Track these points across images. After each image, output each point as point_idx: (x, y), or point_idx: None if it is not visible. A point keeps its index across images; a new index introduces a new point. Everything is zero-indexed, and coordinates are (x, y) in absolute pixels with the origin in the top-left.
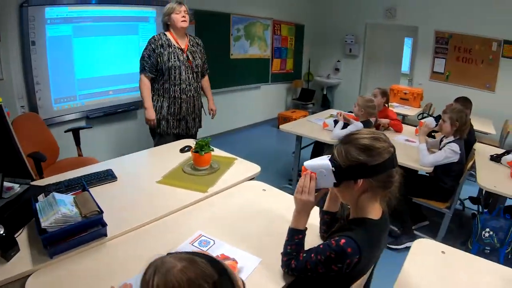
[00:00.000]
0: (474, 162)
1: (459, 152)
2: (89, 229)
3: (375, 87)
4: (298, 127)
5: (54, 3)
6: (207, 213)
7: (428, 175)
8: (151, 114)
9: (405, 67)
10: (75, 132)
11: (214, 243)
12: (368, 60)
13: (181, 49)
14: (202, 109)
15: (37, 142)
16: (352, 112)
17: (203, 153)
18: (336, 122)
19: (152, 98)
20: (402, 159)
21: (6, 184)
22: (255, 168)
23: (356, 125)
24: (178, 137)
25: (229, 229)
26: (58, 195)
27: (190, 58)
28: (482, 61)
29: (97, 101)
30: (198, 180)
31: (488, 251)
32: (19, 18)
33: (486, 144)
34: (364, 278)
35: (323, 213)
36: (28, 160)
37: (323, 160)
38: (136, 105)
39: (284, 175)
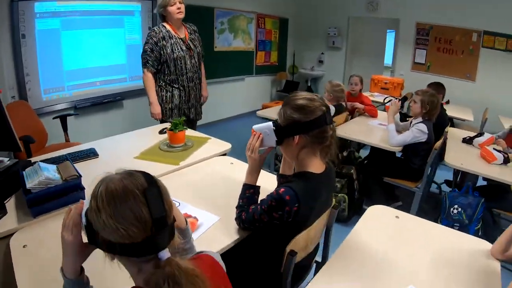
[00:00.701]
0: (445, 145)
1: (427, 132)
2: (69, 192)
3: (353, 75)
4: (274, 112)
5: None
6: (177, 182)
7: (402, 157)
8: (156, 108)
9: (388, 60)
10: (63, 119)
11: (179, 205)
12: (351, 52)
13: (182, 39)
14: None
15: (27, 127)
16: None
17: (177, 131)
18: None
19: (161, 90)
20: (374, 140)
21: None
22: (226, 145)
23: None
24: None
25: (194, 194)
26: (43, 164)
27: (192, 46)
28: (462, 51)
29: (85, 92)
30: (172, 155)
31: (458, 228)
32: (9, 12)
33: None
34: (315, 234)
35: (279, 177)
36: None
37: (268, 122)
38: (122, 96)
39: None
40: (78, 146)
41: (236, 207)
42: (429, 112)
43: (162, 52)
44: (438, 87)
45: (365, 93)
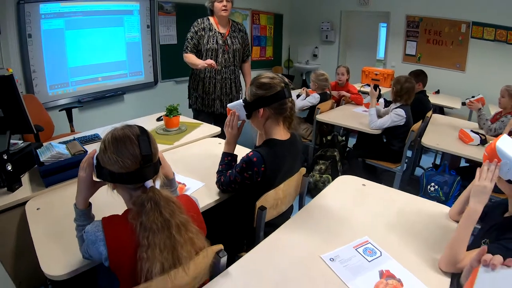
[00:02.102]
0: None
1: (405, 116)
2: (77, 165)
3: (340, 65)
4: None
5: None
6: (170, 158)
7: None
8: (205, 62)
9: (381, 53)
10: (68, 111)
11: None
12: (344, 45)
13: (221, 34)
14: (241, 92)
15: (35, 119)
16: None
17: (171, 116)
18: (298, 96)
19: (190, 77)
20: (357, 125)
21: (12, 141)
22: (216, 129)
23: (313, 96)
24: (213, 115)
25: (185, 166)
26: (54, 143)
27: (229, 42)
28: (452, 42)
29: (88, 87)
30: (167, 137)
31: None
32: (16, 14)
33: (460, 118)
34: (284, 195)
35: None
36: None
37: (239, 100)
38: (123, 90)
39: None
40: (83, 132)
41: (217, 172)
42: (402, 97)
43: (200, 41)
44: (419, 75)
45: (356, 84)
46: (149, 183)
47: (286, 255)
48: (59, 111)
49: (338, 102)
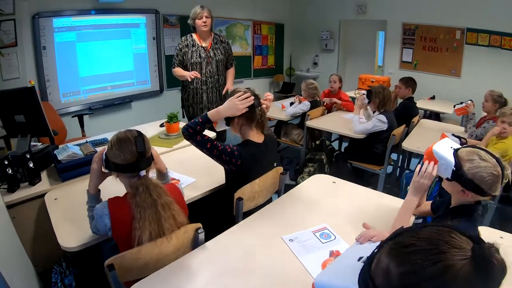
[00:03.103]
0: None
1: (386, 121)
2: (89, 163)
3: (333, 74)
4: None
5: (60, 14)
6: (168, 159)
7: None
8: (190, 74)
9: (381, 61)
10: (80, 117)
11: (169, 172)
12: (343, 54)
13: (203, 47)
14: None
15: (50, 125)
16: None
17: (172, 122)
18: (292, 103)
19: (182, 89)
20: (344, 130)
21: (32, 143)
22: (210, 134)
23: (304, 104)
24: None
25: (181, 165)
26: (69, 145)
27: (211, 54)
28: (447, 49)
29: (98, 95)
30: (168, 141)
31: None
32: (32, 27)
33: (450, 124)
34: (260, 189)
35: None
36: None
37: None
38: (131, 98)
39: None
40: (94, 137)
41: (188, 125)
42: (380, 104)
43: (184, 57)
44: (408, 81)
45: (351, 92)
46: (142, 172)
47: (254, 235)
48: (72, 117)
49: (330, 109)
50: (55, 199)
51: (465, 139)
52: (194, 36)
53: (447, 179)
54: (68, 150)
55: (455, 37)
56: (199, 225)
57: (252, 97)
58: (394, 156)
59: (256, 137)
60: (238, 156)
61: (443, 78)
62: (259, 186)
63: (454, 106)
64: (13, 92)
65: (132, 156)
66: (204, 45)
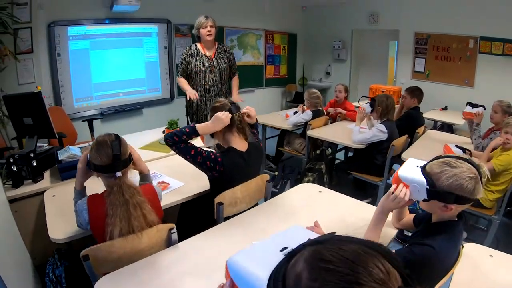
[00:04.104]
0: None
1: (386, 131)
2: None
3: (338, 83)
4: (264, 118)
5: (75, 23)
6: (164, 163)
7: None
8: (190, 92)
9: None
10: (90, 122)
11: (161, 176)
12: (355, 63)
13: (207, 56)
14: None
15: (60, 127)
16: None
17: (171, 128)
18: (295, 113)
19: (186, 97)
20: (346, 140)
21: (39, 144)
22: (212, 142)
23: (307, 113)
24: None
25: (173, 170)
26: (71, 147)
27: (215, 63)
28: (460, 58)
29: (110, 101)
30: (166, 147)
31: None
32: (47, 35)
33: (461, 136)
34: (242, 195)
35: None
36: None
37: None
38: (142, 105)
39: None
40: None
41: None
42: (382, 112)
43: (188, 66)
44: (414, 91)
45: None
46: (118, 173)
47: (227, 239)
48: (82, 121)
49: (335, 119)
50: (53, 196)
51: (469, 150)
52: (199, 45)
53: (424, 200)
54: (69, 152)
55: (468, 46)
56: (172, 225)
57: (229, 114)
58: (396, 167)
59: (240, 145)
60: (220, 162)
61: (456, 88)
62: (241, 192)
63: (467, 105)
64: (21, 96)
65: (108, 158)
66: (208, 54)
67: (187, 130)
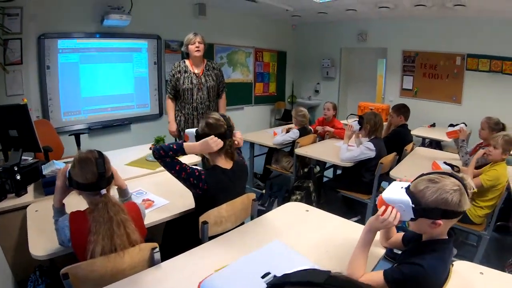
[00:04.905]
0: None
1: (374, 149)
2: None
3: (327, 101)
4: (253, 136)
5: (65, 36)
6: (149, 180)
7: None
8: (172, 126)
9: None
10: (77, 136)
11: (146, 194)
12: (344, 81)
13: (196, 74)
14: None
15: (47, 141)
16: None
17: (157, 145)
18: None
19: (176, 113)
20: (333, 158)
21: (24, 157)
22: (195, 158)
23: (293, 132)
24: None
25: (158, 187)
26: (56, 162)
27: (203, 80)
28: (447, 75)
29: (98, 116)
30: (152, 164)
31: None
32: (37, 48)
33: (449, 152)
34: (228, 214)
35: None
36: None
37: (193, 129)
38: (130, 120)
39: None
40: None
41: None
42: (371, 130)
43: (176, 83)
44: (400, 109)
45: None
46: (103, 191)
47: (210, 258)
48: (69, 135)
49: (323, 136)
50: (36, 211)
51: (457, 167)
52: (187, 62)
53: (412, 219)
54: (53, 166)
55: (455, 63)
56: (155, 244)
57: (221, 142)
58: (385, 184)
59: (224, 163)
60: (204, 180)
61: (444, 105)
62: (226, 211)
63: (448, 126)
64: (7, 108)
65: (93, 176)
66: (196, 71)
67: (174, 147)
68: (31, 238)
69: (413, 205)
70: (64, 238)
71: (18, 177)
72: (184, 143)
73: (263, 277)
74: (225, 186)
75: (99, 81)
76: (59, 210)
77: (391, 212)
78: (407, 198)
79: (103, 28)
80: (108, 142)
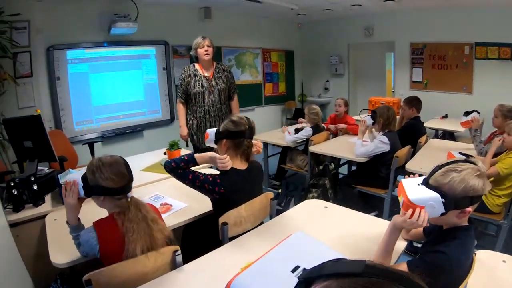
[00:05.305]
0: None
1: (388, 142)
2: None
3: (338, 98)
4: (265, 136)
5: (73, 47)
6: (166, 185)
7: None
8: (183, 131)
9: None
10: (91, 145)
11: (164, 198)
12: (353, 77)
13: (206, 77)
14: None
15: (61, 151)
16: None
17: (173, 149)
18: (297, 130)
19: (187, 117)
20: (347, 154)
21: (40, 167)
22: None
23: (306, 130)
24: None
25: (176, 191)
26: (72, 171)
27: (213, 84)
28: (456, 65)
29: (110, 124)
30: None
31: None
32: (46, 59)
33: (464, 142)
34: (247, 214)
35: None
36: None
37: (213, 129)
38: (142, 127)
39: None
40: None
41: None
42: (384, 123)
43: (187, 87)
44: (412, 101)
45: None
46: (130, 194)
47: (232, 259)
48: (83, 144)
49: (336, 133)
50: (55, 219)
51: (472, 156)
52: (197, 66)
53: (442, 214)
54: (70, 175)
55: (464, 53)
56: (177, 247)
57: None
58: (401, 178)
59: (239, 164)
60: (220, 184)
61: (455, 96)
62: (245, 212)
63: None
64: (21, 120)
65: (123, 179)
66: (206, 74)
67: (186, 158)
68: (52, 246)
69: (443, 200)
70: (90, 250)
71: (35, 187)
72: (195, 154)
73: (293, 271)
74: (241, 187)
75: (109, 89)
76: (77, 226)
77: (419, 214)
78: (435, 195)
79: (110, 37)
80: (122, 149)
